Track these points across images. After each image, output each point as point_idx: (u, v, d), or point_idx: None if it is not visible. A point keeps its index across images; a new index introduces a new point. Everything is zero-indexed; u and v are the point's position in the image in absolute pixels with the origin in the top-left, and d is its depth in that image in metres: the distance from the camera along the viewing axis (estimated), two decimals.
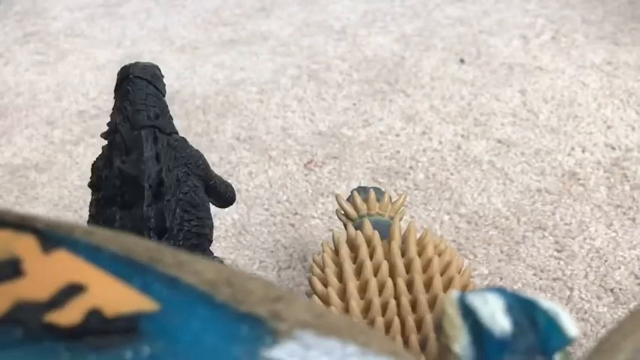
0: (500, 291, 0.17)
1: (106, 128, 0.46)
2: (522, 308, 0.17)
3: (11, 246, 0.15)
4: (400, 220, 0.51)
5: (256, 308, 0.16)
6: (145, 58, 0.99)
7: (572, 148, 0.70)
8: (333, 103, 0.83)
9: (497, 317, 0.16)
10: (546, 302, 0.17)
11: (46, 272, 0.15)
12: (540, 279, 0.54)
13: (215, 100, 0.86)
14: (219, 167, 0.71)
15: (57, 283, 0.15)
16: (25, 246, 0.16)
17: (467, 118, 0.78)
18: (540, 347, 0.16)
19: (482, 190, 0.65)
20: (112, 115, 0.45)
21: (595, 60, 0.89)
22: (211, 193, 0.48)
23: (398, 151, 0.72)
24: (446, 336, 0.16)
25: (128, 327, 0.14)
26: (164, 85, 0.48)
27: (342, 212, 0.51)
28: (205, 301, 0.15)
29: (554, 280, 0.54)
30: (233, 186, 0.53)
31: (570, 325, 0.17)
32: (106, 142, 0.45)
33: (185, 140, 0.46)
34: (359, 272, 0.42)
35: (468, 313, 0.16)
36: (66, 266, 0.15)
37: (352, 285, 0.41)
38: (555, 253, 0.56)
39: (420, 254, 0.43)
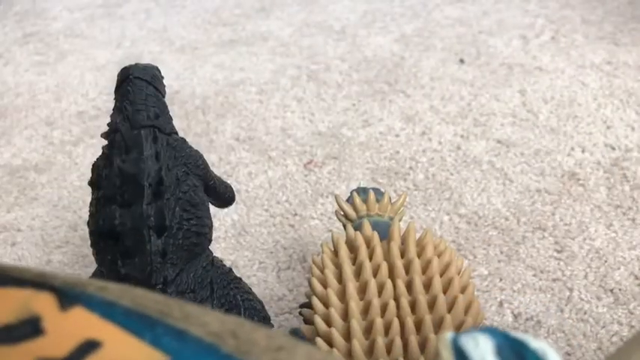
0: (492, 332, 0.17)
1: (105, 129, 0.46)
2: (512, 348, 0.17)
3: (31, 305, 0.16)
4: (400, 220, 0.50)
5: (259, 357, 0.16)
6: (145, 59, 0.99)
7: (572, 149, 0.70)
8: (333, 103, 0.83)
9: (485, 354, 0.17)
10: (535, 342, 0.17)
11: (64, 330, 0.16)
12: (540, 279, 0.54)
13: (215, 100, 0.86)
14: (218, 167, 0.71)
15: (74, 340, 0.16)
16: (44, 304, 0.16)
17: (467, 119, 0.78)
18: None
19: (481, 190, 0.65)
20: (112, 116, 0.45)
21: (595, 60, 0.89)
22: (211, 193, 0.48)
23: (397, 152, 0.72)
24: None
25: None
26: (164, 85, 0.48)
27: (342, 213, 0.51)
28: (212, 353, 0.16)
29: (554, 280, 0.54)
30: (232, 186, 0.53)
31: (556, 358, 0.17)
32: (106, 143, 0.45)
33: (184, 140, 0.46)
34: (358, 273, 0.42)
35: (461, 355, 0.17)
36: (82, 323, 0.16)
37: (352, 286, 0.40)
38: (555, 254, 0.56)
39: (419, 255, 0.43)
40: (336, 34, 1.04)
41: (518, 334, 0.18)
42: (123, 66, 0.47)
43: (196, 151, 0.47)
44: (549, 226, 0.59)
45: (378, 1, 1.16)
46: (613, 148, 0.70)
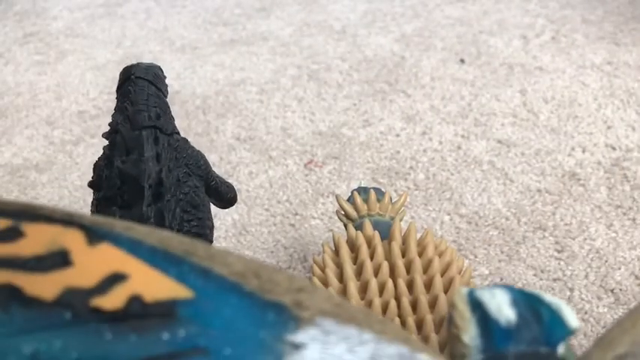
0: (507, 287, 0.18)
1: (106, 128, 0.46)
2: (527, 302, 0.18)
3: (60, 239, 0.17)
4: (400, 220, 0.50)
5: (281, 297, 0.17)
6: (145, 59, 0.99)
7: (573, 149, 0.70)
8: (333, 103, 0.83)
9: (503, 309, 0.17)
10: (549, 297, 0.18)
11: (91, 262, 0.17)
12: (540, 279, 0.54)
13: (215, 100, 0.86)
14: (219, 167, 0.71)
15: (102, 272, 0.17)
16: (72, 239, 0.17)
17: (467, 119, 0.78)
18: (544, 339, 0.18)
19: (482, 190, 0.65)
20: (113, 115, 0.45)
21: (595, 60, 0.89)
22: (212, 194, 0.48)
23: (398, 152, 0.72)
24: (456, 327, 0.18)
25: (165, 312, 0.16)
26: (166, 85, 0.48)
27: (343, 213, 0.51)
28: (235, 290, 0.17)
29: (555, 280, 0.54)
30: (233, 186, 0.53)
31: (572, 317, 0.18)
32: (107, 142, 0.45)
33: (186, 140, 0.46)
34: (359, 273, 0.42)
35: (477, 307, 0.18)
36: (109, 257, 0.17)
37: (353, 285, 0.41)
38: (555, 254, 0.56)
39: (420, 255, 0.43)
40: (337, 34, 1.04)
41: (533, 290, 0.18)
42: (123, 65, 0.47)
43: (198, 151, 0.47)
44: (550, 226, 0.60)
45: (378, 0, 1.16)
46: (613, 148, 0.70)
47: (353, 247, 0.45)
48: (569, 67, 0.88)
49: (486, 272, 0.55)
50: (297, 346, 0.16)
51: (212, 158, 0.72)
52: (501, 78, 0.86)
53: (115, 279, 0.17)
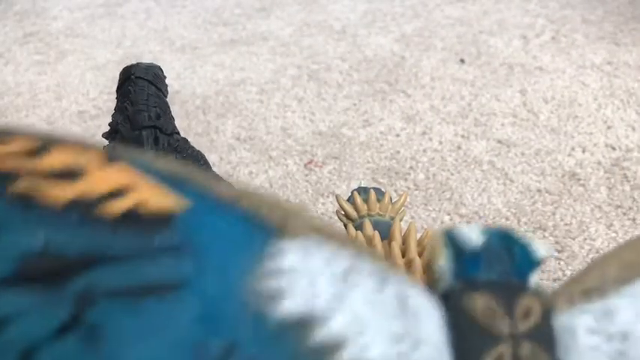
0: (485, 225, 0.20)
1: (106, 128, 0.46)
2: (500, 237, 0.19)
3: (80, 156, 0.19)
4: (400, 220, 0.50)
5: (269, 215, 0.19)
6: (145, 58, 0.99)
7: (573, 149, 0.70)
8: (333, 103, 0.83)
9: (472, 235, 0.19)
10: (522, 233, 0.19)
11: (105, 176, 0.19)
12: (540, 279, 0.54)
13: (215, 100, 0.86)
14: (219, 167, 0.71)
15: (112, 183, 0.19)
16: (92, 157, 0.20)
17: (467, 119, 0.78)
18: (515, 272, 0.19)
19: (482, 190, 0.65)
20: (113, 116, 0.45)
21: (595, 60, 0.89)
22: None
23: (398, 152, 0.72)
24: (431, 255, 0.19)
25: (165, 218, 0.18)
26: (166, 85, 0.48)
27: (343, 213, 0.51)
28: (228, 207, 0.19)
29: (555, 280, 0.54)
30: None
31: (543, 248, 0.19)
32: (107, 143, 0.45)
33: (186, 140, 0.46)
34: None
35: (452, 239, 0.19)
36: (122, 173, 0.19)
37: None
38: (556, 254, 0.56)
39: (420, 255, 0.43)
40: (337, 34, 1.04)
41: (508, 228, 0.20)
42: (123, 65, 0.47)
43: (198, 151, 0.47)
44: (550, 225, 0.60)
45: (378, 0, 1.16)
46: (613, 148, 0.70)
47: None
48: (569, 67, 0.88)
49: None
50: (278, 253, 0.18)
51: (212, 158, 0.72)
52: (501, 78, 0.86)
53: (123, 190, 0.19)
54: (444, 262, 0.19)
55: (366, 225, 0.46)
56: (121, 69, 0.47)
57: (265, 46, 1.01)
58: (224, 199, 0.20)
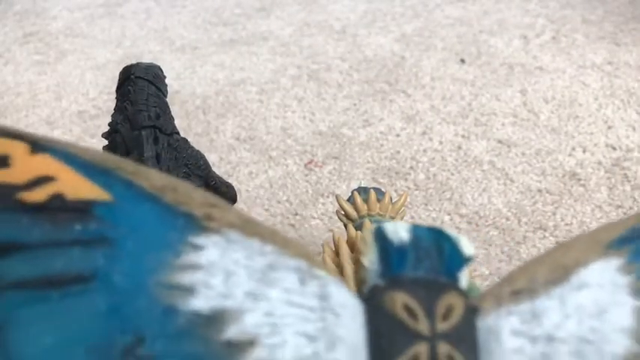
0: (415, 224, 0.20)
1: (106, 128, 0.46)
2: (430, 235, 0.19)
3: (6, 147, 0.20)
4: (401, 220, 0.50)
5: (193, 209, 0.19)
6: (145, 58, 0.99)
7: (573, 149, 0.70)
8: (333, 103, 0.83)
9: (399, 232, 0.19)
10: (451, 232, 0.19)
11: (28, 166, 0.19)
12: None
13: (215, 100, 0.86)
14: (219, 167, 0.71)
15: (34, 173, 0.19)
16: (17, 148, 0.20)
17: (467, 118, 0.77)
18: (444, 270, 0.19)
19: (482, 190, 0.65)
20: (113, 115, 0.45)
21: (595, 60, 0.89)
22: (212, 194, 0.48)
23: (398, 152, 0.72)
24: (359, 253, 0.19)
25: (83, 209, 0.18)
26: (166, 85, 0.48)
27: (343, 213, 0.51)
28: (152, 200, 0.19)
29: None
30: (233, 186, 0.53)
31: (467, 247, 0.19)
32: (107, 142, 0.45)
33: (186, 140, 0.46)
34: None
35: (380, 236, 0.19)
36: (45, 164, 0.19)
37: (352, 285, 0.40)
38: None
39: None
40: (337, 34, 1.04)
41: (438, 226, 0.20)
42: (123, 65, 0.47)
43: (197, 151, 0.46)
44: (550, 226, 0.59)
45: (378, 0, 1.16)
46: (614, 148, 0.70)
47: (353, 247, 0.45)
48: (570, 67, 0.88)
49: (486, 272, 0.55)
50: (197, 247, 0.18)
51: (212, 158, 0.72)
52: (501, 78, 0.86)
53: (44, 180, 0.19)
54: (371, 258, 0.19)
55: (366, 225, 0.46)
56: (120, 69, 0.47)
57: (265, 46, 1.01)
58: (148, 190, 0.19)
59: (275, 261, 0.18)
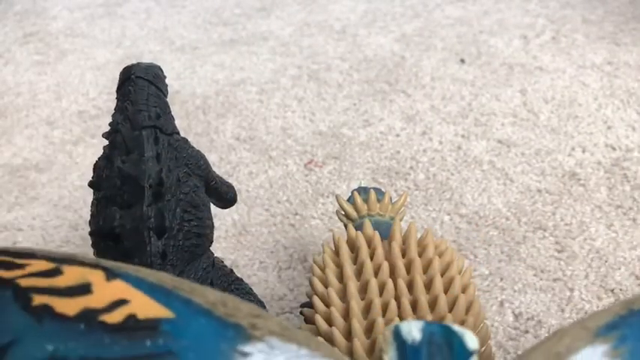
0: (427, 321, 0.23)
1: (106, 128, 0.46)
2: (440, 331, 0.22)
3: (87, 276, 0.24)
4: (401, 220, 0.50)
5: (240, 320, 0.23)
6: (145, 58, 0.99)
7: (573, 149, 0.70)
8: (333, 103, 0.83)
9: (412, 331, 0.22)
10: (458, 327, 0.22)
11: (106, 292, 0.23)
12: (541, 279, 0.54)
13: (215, 100, 0.86)
14: (219, 167, 0.71)
15: (112, 298, 0.23)
16: (95, 276, 0.24)
17: (467, 118, 0.78)
18: None
19: (482, 190, 0.65)
20: (113, 115, 0.45)
21: (595, 60, 0.89)
22: (212, 194, 0.48)
23: (398, 152, 0.72)
24: (380, 350, 0.22)
25: (152, 326, 0.22)
26: (166, 85, 0.48)
27: (343, 213, 0.51)
28: (207, 314, 0.23)
29: (555, 280, 0.54)
30: (233, 186, 0.53)
31: (471, 341, 0.22)
32: (107, 142, 0.45)
33: (186, 140, 0.46)
34: (359, 273, 0.42)
35: (398, 335, 0.22)
36: (119, 289, 0.23)
37: (353, 285, 0.40)
38: (556, 254, 0.56)
39: (420, 255, 0.43)
40: (337, 34, 1.04)
41: (448, 323, 0.24)
42: (123, 65, 0.47)
43: (198, 151, 0.47)
44: (550, 226, 0.59)
45: (378, 0, 1.16)
46: (614, 148, 0.70)
47: (353, 247, 0.45)
48: (570, 67, 0.88)
49: (486, 272, 0.55)
50: (245, 354, 0.22)
51: (212, 158, 0.72)
52: (501, 78, 0.86)
53: (120, 303, 0.23)
54: (391, 356, 0.22)
55: (366, 225, 0.46)
56: (121, 69, 0.47)
57: (265, 46, 1.01)
58: (203, 306, 0.23)
59: None
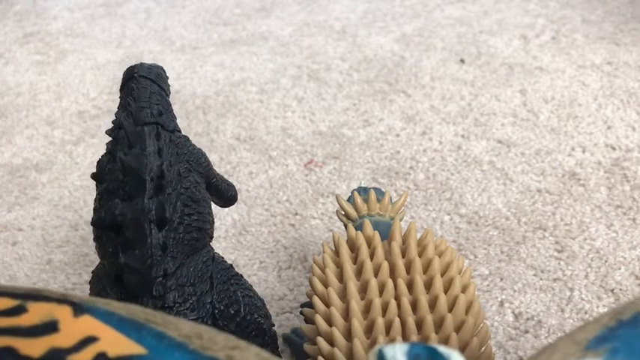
0: (413, 343, 0.22)
1: (106, 128, 0.46)
2: (427, 353, 0.22)
3: (54, 312, 0.23)
4: (400, 220, 0.50)
5: (217, 353, 0.22)
6: (145, 58, 0.99)
7: (573, 149, 0.70)
8: (333, 103, 0.83)
9: (396, 355, 0.22)
10: (443, 348, 0.22)
11: (73, 329, 0.22)
12: (540, 279, 0.54)
13: (215, 100, 0.86)
14: (219, 167, 0.71)
15: (79, 335, 0.22)
16: (62, 312, 0.23)
17: (467, 119, 0.78)
18: None
19: (482, 190, 0.65)
20: (116, 113, 0.45)
21: (595, 60, 0.89)
22: (213, 192, 0.48)
23: (398, 152, 0.72)
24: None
25: None
26: (168, 85, 0.48)
27: (343, 212, 0.51)
28: (181, 348, 0.22)
29: (555, 280, 0.54)
30: None
31: (459, 358, 0.22)
32: (110, 140, 0.45)
33: (187, 138, 0.46)
34: (359, 273, 0.42)
35: (381, 357, 0.22)
36: (88, 325, 0.22)
37: (352, 285, 0.41)
38: (556, 254, 0.56)
39: (420, 255, 0.43)
40: (337, 34, 1.04)
41: (433, 344, 0.23)
42: (124, 65, 0.47)
43: (199, 149, 0.47)
44: (550, 226, 0.60)
45: (378, 0, 1.16)
46: (613, 148, 0.70)
47: (353, 247, 0.45)
48: (569, 67, 0.88)
49: (486, 272, 0.55)
50: None
51: (212, 158, 0.72)
52: (501, 78, 0.86)
53: (89, 340, 0.22)
54: None
55: (366, 225, 0.46)
56: (121, 69, 0.47)
57: (265, 46, 1.01)
58: (177, 339, 0.22)
59: None
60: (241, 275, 0.47)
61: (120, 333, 0.22)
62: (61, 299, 0.23)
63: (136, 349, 0.21)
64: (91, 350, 0.21)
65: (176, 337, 0.22)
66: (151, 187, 0.41)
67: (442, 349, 0.21)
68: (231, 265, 0.46)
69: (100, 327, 0.22)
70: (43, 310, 0.23)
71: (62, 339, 0.22)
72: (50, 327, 0.22)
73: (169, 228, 0.41)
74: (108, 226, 0.41)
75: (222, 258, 0.46)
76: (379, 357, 0.21)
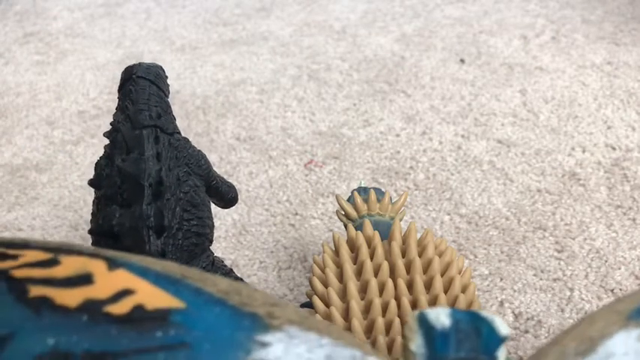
0: (453, 309, 0.22)
1: (106, 128, 0.46)
2: (467, 318, 0.21)
3: (87, 266, 0.22)
4: (400, 220, 0.50)
5: (256, 309, 0.21)
6: (145, 58, 0.99)
7: (573, 149, 0.71)
8: (333, 103, 0.83)
9: (440, 317, 0.21)
10: (486, 313, 0.21)
11: (109, 282, 0.22)
12: (540, 279, 0.54)
13: (215, 100, 0.86)
14: (219, 167, 0.71)
15: (115, 288, 0.21)
16: (96, 266, 0.22)
17: (467, 119, 0.78)
18: (483, 349, 0.21)
19: (482, 190, 0.65)
20: (114, 115, 0.45)
21: (595, 60, 0.89)
22: (213, 194, 0.48)
23: (398, 152, 0.72)
24: (405, 338, 0.21)
25: (161, 317, 0.21)
26: (168, 85, 0.48)
27: (343, 212, 0.51)
28: (220, 304, 0.22)
29: (555, 280, 0.54)
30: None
31: (502, 327, 0.21)
32: (108, 142, 0.45)
33: (187, 140, 0.46)
34: (359, 273, 0.42)
35: (423, 322, 0.21)
36: (123, 279, 0.22)
37: (352, 285, 0.41)
38: (555, 254, 0.56)
39: (420, 255, 0.43)
40: (337, 34, 1.04)
41: (475, 310, 0.23)
42: (123, 65, 0.47)
43: (199, 151, 0.47)
44: (550, 225, 0.60)
45: (378, 0, 1.16)
46: (613, 148, 0.70)
47: (353, 247, 0.45)
48: (569, 67, 0.88)
49: (486, 272, 0.55)
50: (264, 344, 0.20)
51: (212, 158, 0.72)
52: (501, 78, 0.86)
53: (125, 293, 0.21)
54: (417, 343, 0.21)
55: (366, 225, 0.46)
56: (121, 69, 0.47)
57: (265, 46, 1.01)
58: (215, 295, 0.22)
59: (332, 352, 0.20)
60: (241, 279, 0.47)
61: (156, 287, 0.22)
62: (93, 253, 0.23)
63: (174, 302, 0.21)
64: (128, 302, 0.21)
65: (214, 292, 0.22)
66: (150, 193, 0.41)
67: (485, 314, 0.21)
68: (231, 270, 0.46)
69: (136, 280, 0.22)
70: (77, 263, 0.22)
71: (98, 290, 0.21)
72: (85, 279, 0.22)
73: (168, 234, 0.41)
74: (106, 234, 0.41)
75: (223, 262, 0.46)
76: (420, 319, 0.21)
